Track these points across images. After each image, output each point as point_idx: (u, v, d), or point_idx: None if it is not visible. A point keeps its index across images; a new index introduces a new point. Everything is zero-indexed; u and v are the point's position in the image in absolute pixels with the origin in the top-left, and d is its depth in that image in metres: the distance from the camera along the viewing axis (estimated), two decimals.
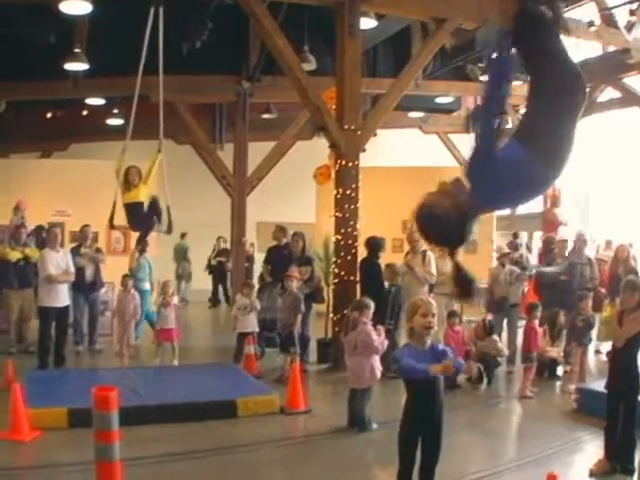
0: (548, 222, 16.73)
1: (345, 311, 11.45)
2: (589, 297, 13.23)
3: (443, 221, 4.32)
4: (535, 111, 4.40)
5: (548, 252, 16.91)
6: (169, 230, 13.78)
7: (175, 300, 14.53)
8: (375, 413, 10.06)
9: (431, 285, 14.46)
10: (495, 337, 13.41)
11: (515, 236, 21.88)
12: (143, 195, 13.50)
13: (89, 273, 15.36)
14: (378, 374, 10.01)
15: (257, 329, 14.22)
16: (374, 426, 9.94)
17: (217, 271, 25.22)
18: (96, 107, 23.46)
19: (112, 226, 13.77)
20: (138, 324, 15.45)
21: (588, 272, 14.76)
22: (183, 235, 24.67)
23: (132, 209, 13.31)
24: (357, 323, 10.04)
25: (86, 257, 15.33)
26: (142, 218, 13.45)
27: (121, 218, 13.50)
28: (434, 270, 14.29)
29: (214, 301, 25.33)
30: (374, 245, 14.38)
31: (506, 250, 16.88)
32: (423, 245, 14.15)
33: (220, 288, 25.49)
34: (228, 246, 24.51)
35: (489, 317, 13.89)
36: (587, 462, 8.60)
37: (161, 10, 12.50)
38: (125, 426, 7.28)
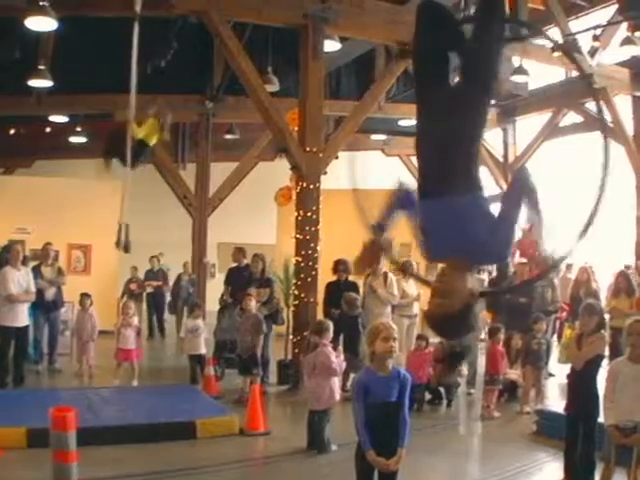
0: (524, 245, 16.67)
1: (305, 333, 11.48)
2: (544, 320, 13.26)
3: (457, 321, 4.45)
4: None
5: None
6: (126, 249, 13.60)
7: (135, 321, 14.47)
8: (335, 434, 10.03)
9: (393, 306, 14.52)
10: None
11: None
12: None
13: (50, 293, 15.21)
14: (337, 396, 10.02)
15: (204, 351, 14.36)
16: (333, 447, 9.90)
17: (152, 298, 21.55)
18: (59, 124, 23.35)
19: (127, 250, 13.56)
20: None
21: (550, 295, 14.83)
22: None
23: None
24: (317, 345, 10.05)
25: (47, 281, 15.16)
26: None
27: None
28: (396, 291, 14.36)
29: (152, 333, 21.63)
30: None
31: None
32: (384, 267, 14.24)
33: (154, 318, 21.88)
34: (171, 266, 22.82)
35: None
36: None
37: (136, 25, 12.48)
38: (83, 446, 7.22)
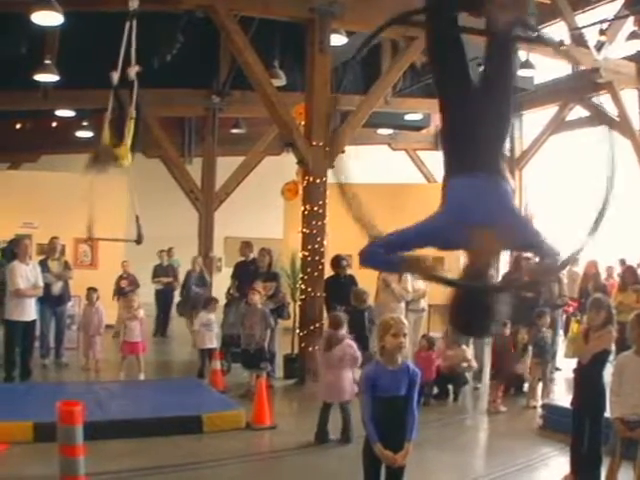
0: None
1: (317, 325, 11.54)
2: (547, 313, 13.23)
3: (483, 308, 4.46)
4: None
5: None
6: (139, 240, 13.65)
7: (141, 313, 14.46)
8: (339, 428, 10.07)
9: (407, 302, 14.54)
10: (464, 347, 13.44)
11: None
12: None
13: (57, 287, 15.22)
14: (355, 387, 10.06)
15: (216, 345, 14.33)
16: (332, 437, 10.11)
17: (161, 296, 20.68)
18: (66, 119, 23.37)
19: (91, 237, 13.57)
20: None
21: (557, 289, 14.82)
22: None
23: None
24: (339, 338, 10.11)
25: (55, 275, 15.16)
26: None
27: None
28: (410, 287, 14.36)
29: (159, 330, 20.62)
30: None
31: None
32: None
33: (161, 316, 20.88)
34: (181, 262, 21.84)
35: None
36: (553, 478, 8.66)
37: (134, 23, 12.45)
38: (90, 440, 7.24)
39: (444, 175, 4.79)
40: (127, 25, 12.38)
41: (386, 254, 4.60)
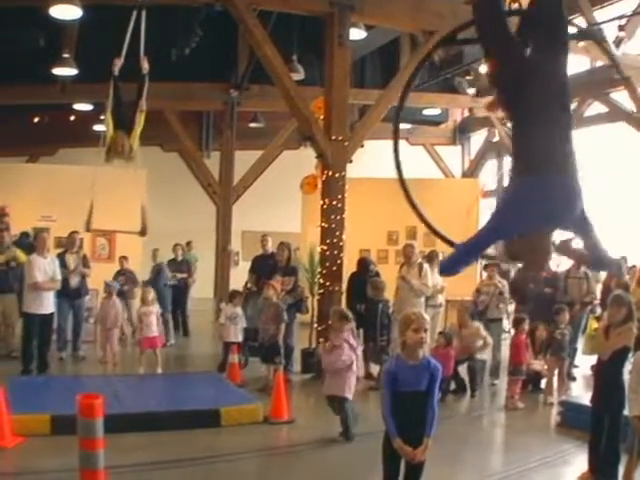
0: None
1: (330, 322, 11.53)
2: (566, 310, 13.18)
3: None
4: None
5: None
6: (142, 232, 13.49)
7: (157, 307, 14.46)
8: (366, 422, 10.04)
9: (427, 297, 14.53)
10: (477, 324, 13.45)
11: None
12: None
13: (75, 280, 15.25)
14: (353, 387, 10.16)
15: (240, 339, 14.23)
16: None
17: (174, 290, 19.09)
18: (84, 112, 23.42)
19: (88, 229, 13.55)
20: None
21: (585, 286, 14.81)
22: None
23: None
24: (335, 345, 10.14)
25: (74, 270, 15.19)
26: None
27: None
28: (430, 282, 14.35)
29: (177, 328, 19.46)
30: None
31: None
32: (419, 257, 14.34)
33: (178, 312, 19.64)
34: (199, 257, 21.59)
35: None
36: (571, 475, 8.63)
37: (143, 14, 12.39)
38: (108, 434, 7.25)
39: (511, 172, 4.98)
40: (134, 15, 12.31)
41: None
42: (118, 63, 12.36)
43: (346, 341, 10.09)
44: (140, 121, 12.35)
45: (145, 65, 12.47)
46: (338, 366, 9.94)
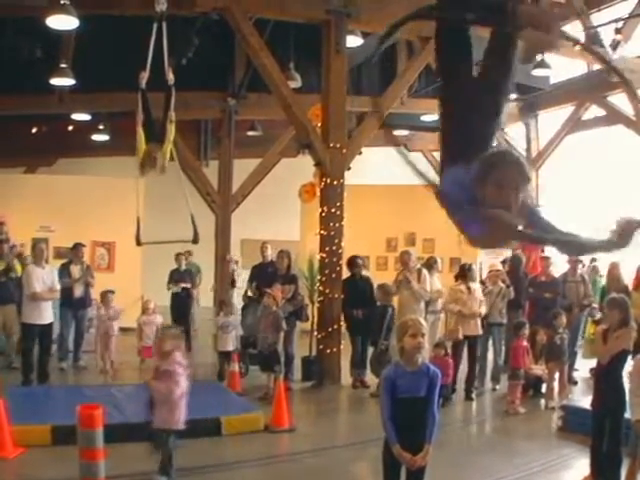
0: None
1: (335, 327, 11.53)
2: (563, 314, 13.14)
3: None
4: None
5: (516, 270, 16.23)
6: (195, 240, 13.65)
7: (158, 317, 14.46)
8: (366, 430, 10.01)
9: (427, 303, 14.52)
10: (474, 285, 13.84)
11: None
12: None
13: (79, 290, 15.26)
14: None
15: (238, 347, 14.23)
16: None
17: (178, 301, 18.47)
18: (82, 123, 23.41)
19: (139, 242, 13.59)
20: None
21: (582, 289, 14.81)
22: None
23: None
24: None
25: (80, 281, 15.20)
26: None
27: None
28: (429, 287, 14.35)
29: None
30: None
31: (498, 267, 16.07)
32: (417, 264, 14.34)
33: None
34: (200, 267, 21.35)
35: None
36: None
37: (164, 25, 12.42)
38: (108, 443, 7.24)
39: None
40: (155, 27, 12.35)
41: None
42: (145, 76, 12.43)
43: (179, 364, 8.93)
44: (171, 132, 12.44)
45: (170, 76, 12.54)
46: (177, 395, 8.78)
